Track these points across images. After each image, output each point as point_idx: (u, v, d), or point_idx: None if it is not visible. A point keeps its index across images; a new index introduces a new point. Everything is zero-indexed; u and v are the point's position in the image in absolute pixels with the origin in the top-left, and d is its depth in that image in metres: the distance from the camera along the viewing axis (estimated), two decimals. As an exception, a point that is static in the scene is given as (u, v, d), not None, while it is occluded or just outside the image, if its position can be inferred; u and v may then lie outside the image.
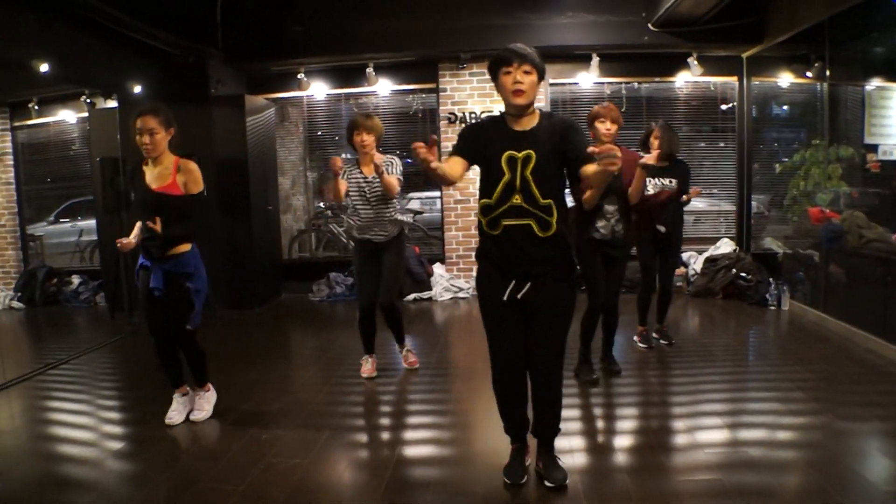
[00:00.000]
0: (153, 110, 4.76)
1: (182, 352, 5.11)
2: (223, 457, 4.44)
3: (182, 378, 5.14)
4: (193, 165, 4.93)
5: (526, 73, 3.62)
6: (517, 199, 3.65)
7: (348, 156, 11.30)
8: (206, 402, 5.22)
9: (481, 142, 3.77)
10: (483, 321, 3.95)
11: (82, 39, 7.56)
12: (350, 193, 5.90)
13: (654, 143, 6.35)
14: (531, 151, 3.64)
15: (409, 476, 4.22)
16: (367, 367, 6.18)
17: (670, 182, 6.46)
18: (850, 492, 3.79)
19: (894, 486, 3.89)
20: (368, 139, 5.80)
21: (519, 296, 3.76)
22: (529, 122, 3.74)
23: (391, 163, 5.87)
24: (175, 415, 5.04)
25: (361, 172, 5.89)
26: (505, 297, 3.77)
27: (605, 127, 5.49)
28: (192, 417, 5.11)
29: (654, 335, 6.91)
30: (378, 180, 5.74)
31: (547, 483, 3.92)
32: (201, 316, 5.06)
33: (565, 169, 3.77)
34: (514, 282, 3.76)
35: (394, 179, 5.71)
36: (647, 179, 5.98)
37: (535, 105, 3.74)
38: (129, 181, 5.06)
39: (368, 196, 5.87)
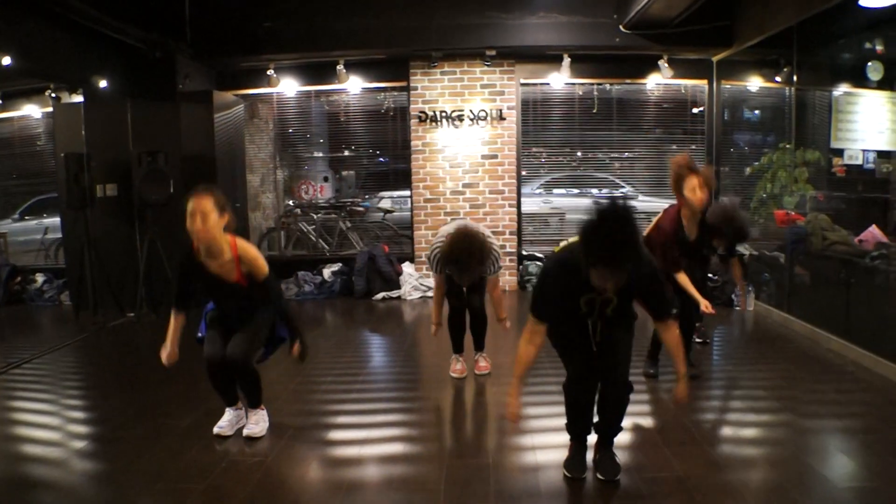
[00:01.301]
0: (208, 191, 4.39)
1: (238, 377, 4.76)
2: (185, 455, 4.39)
3: (237, 396, 4.86)
4: (251, 251, 4.60)
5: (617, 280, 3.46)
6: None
7: (320, 154, 11.29)
8: (262, 419, 4.85)
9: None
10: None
11: (47, 33, 7.47)
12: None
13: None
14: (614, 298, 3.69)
15: (373, 474, 4.20)
16: (458, 366, 6.09)
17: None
18: (810, 489, 3.84)
19: (852, 483, 3.96)
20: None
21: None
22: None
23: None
24: (227, 427, 4.75)
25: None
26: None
27: (697, 198, 5.28)
28: (247, 433, 4.74)
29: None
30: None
31: (599, 476, 4.01)
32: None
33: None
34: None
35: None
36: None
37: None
38: (185, 271, 4.68)
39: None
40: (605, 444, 4.14)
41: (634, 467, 4.17)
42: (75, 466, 4.32)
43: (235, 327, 4.63)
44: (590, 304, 3.72)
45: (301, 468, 4.27)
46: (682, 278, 5.42)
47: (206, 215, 4.28)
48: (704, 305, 5.36)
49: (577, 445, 4.19)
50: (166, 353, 4.60)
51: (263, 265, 4.55)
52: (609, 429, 4.12)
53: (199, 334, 4.79)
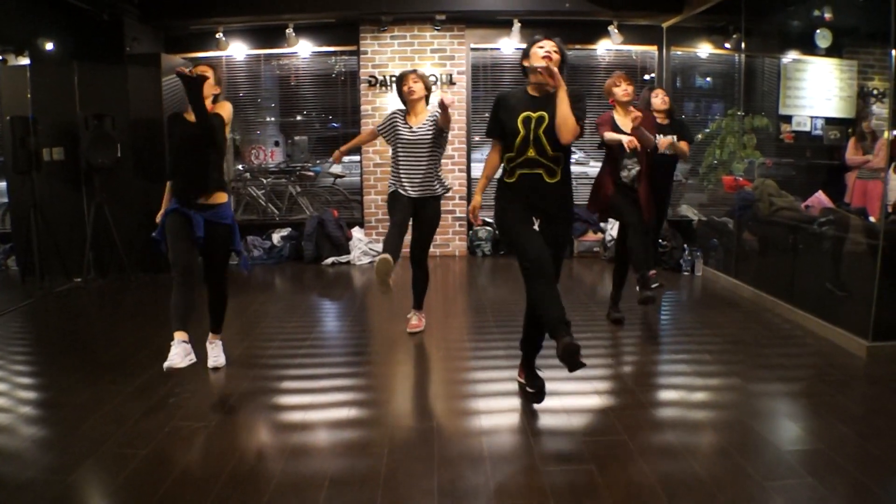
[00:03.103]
0: (211, 66, 5.19)
1: (213, 295, 5.41)
2: (129, 420, 4.43)
3: (187, 323, 4.84)
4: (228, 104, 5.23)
5: (555, 51, 4.37)
6: (531, 153, 4.33)
7: (271, 119, 11.22)
8: (220, 350, 5.54)
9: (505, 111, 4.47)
10: (509, 234, 4.46)
11: (-9, -6, 7.36)
12: (397, 146, 6.09)
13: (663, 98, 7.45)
14: (543, 112, 4.30)
15: (317, 439, 4.26)
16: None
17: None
18: (753, 452, 3.94)
19: (795, 447, 4.06)
20: (416, 87, 6.00)
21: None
22: (544, 90, 4.39)
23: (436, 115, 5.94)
24: (177, 359, 4.59)
25: (407, 123, 6.04)
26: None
27: (621, 90, 6.22)
28: (212, 364, 5.42)
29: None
30: (423, 131, 5.96)
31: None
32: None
33: None
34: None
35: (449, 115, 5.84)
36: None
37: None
38: (169, 131, 5.32)
39: (412, 148, 6.00)
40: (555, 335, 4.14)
41: (579, 431, 4.29)
42: (20, 431, 4.34)
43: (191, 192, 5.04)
44: (526, 124, 4.32)
45: (245, 433, 4.33)
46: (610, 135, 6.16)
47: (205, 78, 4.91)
48: (628, 142, 5.86)
49: (532, 359, 4.78)
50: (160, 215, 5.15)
51: (228, 113, 5.17)
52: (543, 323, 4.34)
53: (154, 234, 5.12)
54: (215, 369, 5.36)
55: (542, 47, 4.37)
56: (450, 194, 6.37)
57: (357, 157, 10.55)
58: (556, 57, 4.33)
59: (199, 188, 5.03)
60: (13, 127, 8.00)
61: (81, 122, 8.35)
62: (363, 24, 10.01)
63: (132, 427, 4.33)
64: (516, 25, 9.76)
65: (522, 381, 4.80)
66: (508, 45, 10.18)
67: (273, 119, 11.32)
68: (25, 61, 9.18)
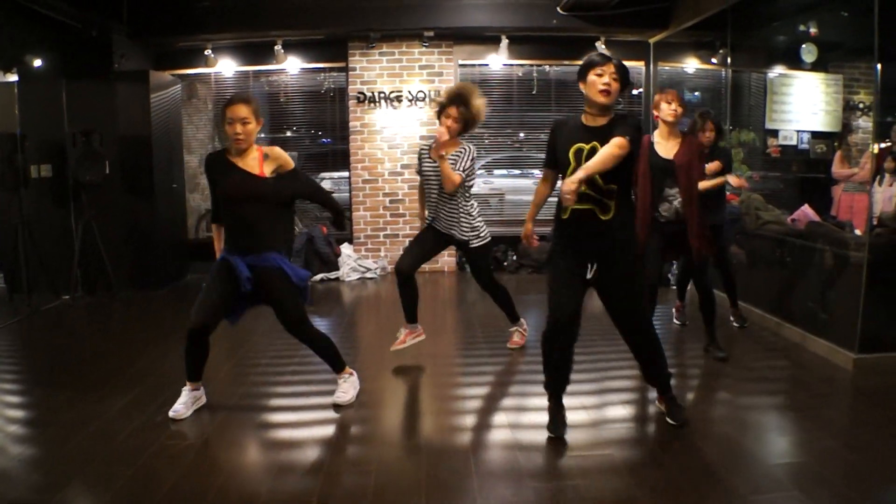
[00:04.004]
0: (245, 99, 4.56)
1: (308, 343, 4.96)
2: (116, 439, 4.41)
3: (200, 373, 4.84)
4: (277, 149, 4.66)
5: (614, 78, 4.04)
6: (582, 187, 3.91)
7: (262, 135, 11.20)
8: (351, 387, 5.06)
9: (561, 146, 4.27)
10: (548, 284, 4.36)
11: (-21, 12, 7.37)
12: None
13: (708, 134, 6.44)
14: (596, 143, 4.05)
15: (305, 457, 4.24)
16: (401, 337, 6.12)
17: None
18: (740, 466, 3.95)
19: (782, 460, 4.09)
20: (452, 125, 5.60)
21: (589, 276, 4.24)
22: (601, 121, 4.16)
23: (460, 154, 5.66)
24: (182, 408, 4.69)
25: (430, 156, 5.83)
26: (589, 276, 4.24)
27: (670, 109, 5.55)
28: (336, 401, 4.94)
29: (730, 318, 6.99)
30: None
31: (669, 421, 4.44)
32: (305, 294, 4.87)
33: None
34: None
35: (454, 175, 5.53)
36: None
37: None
38: (209, 174, 4.73)
39: (427, 181, 5.85)
40: (660, 391, 4.59)
41: (566, 446, 4.28)
42: (6, 450, 4.30)
43: (246, 257, 4.59)
44: (577, 156, 4.11)
45: (232, 451, 4.32)
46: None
47: (245, 122, 4.49)
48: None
49: (554, 404, 4.48)
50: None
51: (290, 159, 4.65)
52: (651, 376, 4.57)
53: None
54: (337, 406, 4.98)
55: (600, 75, 4.05)
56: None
57: (346, 174, 10.56)
58: (615, 86, 4.05)
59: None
60: (1, 144, 7.98)
61: (69, 139, 8.34)
62: (352, 41, 10.04)
63: (119, 445, 4.31)
64: (504, 41, 9.81)
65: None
66: (496, 60, 10.22)
67: (263, 135, 11.29)
68: (14, 78, 9.18)
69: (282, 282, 4.61)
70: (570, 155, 4.13)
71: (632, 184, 4.28)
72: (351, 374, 5.11)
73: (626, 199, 4.18)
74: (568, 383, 4.48)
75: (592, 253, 4.19)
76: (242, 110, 4.46)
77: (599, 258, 4.18)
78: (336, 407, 4.90)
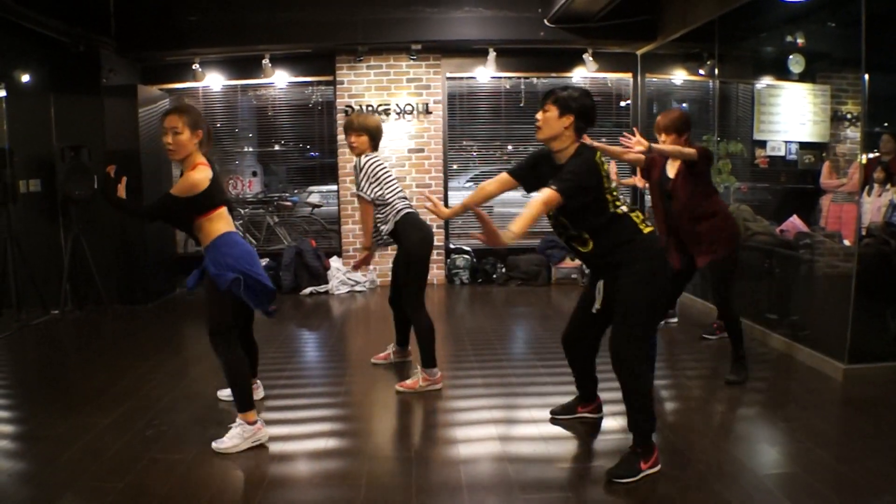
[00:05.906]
0: (179, 109, 4.44)
1: (219, 360, 4.62)
2: (107, 453, 4.39)
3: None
4: (194, 173, 4.37)
5: (544, 111, 3.95)
6: (562, 219, 3.99)
7: (249, 149, 11.22)
8: (239, 436, 4.51)
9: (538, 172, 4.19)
10: None
11: (-34, 27, 7.35)
12: None
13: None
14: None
15: (295, 470, 4.25)
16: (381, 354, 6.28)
17: None
18: (730, 477, 3.97)
19: (772, 471, 4.10)
20: (356, 140, 5.95)
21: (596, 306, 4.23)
22: (564, 157, 4.00)
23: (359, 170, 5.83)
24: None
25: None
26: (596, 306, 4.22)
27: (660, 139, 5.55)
28: (214, 444, 4.47)
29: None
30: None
31: (606, 474, 3.99)
32: (260, 300, 4.62)
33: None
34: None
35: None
36: None
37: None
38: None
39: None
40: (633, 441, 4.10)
41: (556, 458, 4.30)
42: (-3, 466, 4.30)
43: None
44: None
45: (223, 464, 4.30)
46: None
47: (176, 131, 4.35)
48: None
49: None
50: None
51: (182, 183, 4.34)
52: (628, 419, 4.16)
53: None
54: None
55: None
56: (427, 222, 6.21)
57: (334, 187, 10.57)
58: (544, 117, 3.96)
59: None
60: (-13, 159, 7.98)
61: (58, 154, 8.34)
62: (339, 55, 10.06)
63: (110, 459, 4.30)
64: (492, 54, 9.84)
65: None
66: (484, 73, 10.25)
67: (250, 149, 11.32)
68: (1, 93, 9.15)
69: (209, 287, 4.50)
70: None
71: (606, 211, 3.92)
72: (253, 423, 4.55)
73: (606, 229, 3.95)
74: (585, 388, 4.75)
75: (596, 276, 4.24)
76: (173, 120, 4.35)
77: (603, 279, 4.15)
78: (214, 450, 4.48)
